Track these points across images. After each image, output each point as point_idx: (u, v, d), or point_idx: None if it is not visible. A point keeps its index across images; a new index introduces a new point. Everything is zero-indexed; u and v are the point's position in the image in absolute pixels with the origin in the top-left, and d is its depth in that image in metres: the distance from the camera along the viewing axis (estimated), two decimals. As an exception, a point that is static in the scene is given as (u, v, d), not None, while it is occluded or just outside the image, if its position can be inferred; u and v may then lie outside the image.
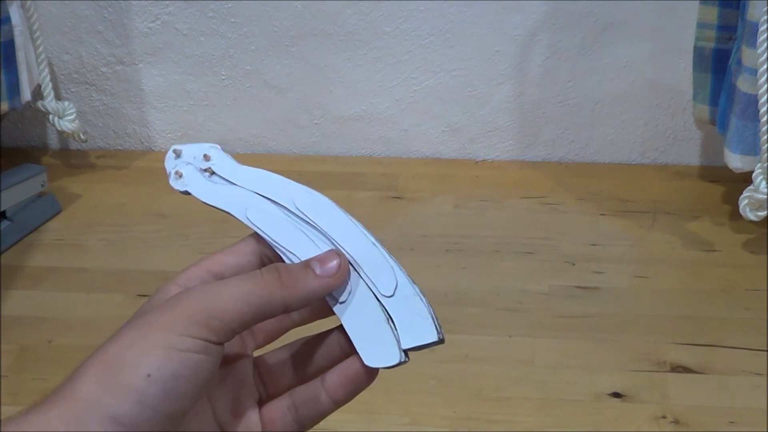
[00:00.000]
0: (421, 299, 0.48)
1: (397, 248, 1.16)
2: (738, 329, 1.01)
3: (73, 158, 1.38)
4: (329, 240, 0.48)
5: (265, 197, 0.51)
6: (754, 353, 0.97)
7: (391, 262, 0.49)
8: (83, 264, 1.15)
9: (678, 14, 1.22)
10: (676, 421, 0.89)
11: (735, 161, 1.07)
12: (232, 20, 1.30)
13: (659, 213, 1.21)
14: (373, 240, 0.49)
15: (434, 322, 0.48)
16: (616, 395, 0.93)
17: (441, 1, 1.25)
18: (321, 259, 0.47)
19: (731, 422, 0.89)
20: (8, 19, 1.18)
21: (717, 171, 1.27)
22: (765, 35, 0.98)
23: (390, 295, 0.48)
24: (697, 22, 1.13)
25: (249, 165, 0.54)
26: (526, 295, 1.07)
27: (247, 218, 0.51)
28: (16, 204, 1.20)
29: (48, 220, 1.23)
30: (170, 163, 0.51)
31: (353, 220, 0.49)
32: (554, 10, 1.24)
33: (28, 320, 1.06)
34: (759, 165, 1.03)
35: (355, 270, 0.48)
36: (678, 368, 0.96)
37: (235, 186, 0.52)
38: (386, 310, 0.48)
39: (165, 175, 0.51)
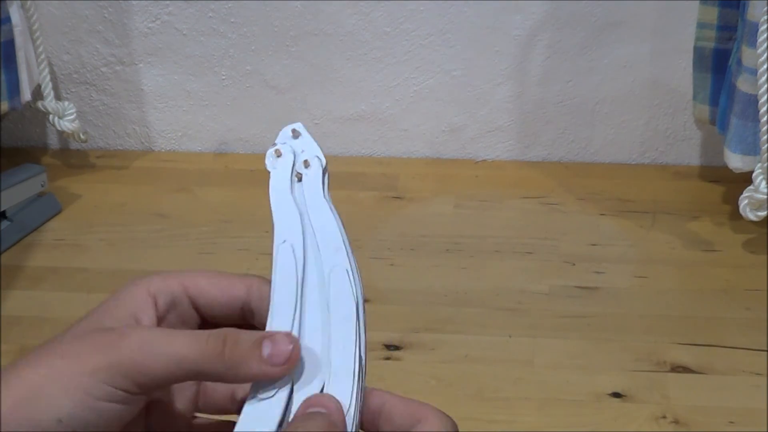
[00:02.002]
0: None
1: (397, 248, 1.16)
2: (738, 329, 1.01)
3: (73, 158, 1.38)
4: (324, 336, 0.44)
5: (313, 244, 0.47)
6: (754, 353, 0.97)
7: (353, 399, 0.43)
8: (83, 264, 1.15)
9: (678, 14, 1.22)
10: (676, 421, 0.89)
11: (735, 161, 1.07)
12: (232, 20, 1.30)
13: (659, 213, 1.21)
14: (356, 369, 0.43)
15: None
16: (616, 395, 0.93)
17: (441, 1, 1.25)
18: (276, 340, 0.42)
19: (731, 422, 0.89)
20: (8, 19, 1.18)
21: (717, 171, 1.27)
22: (765, 35, 0.98)
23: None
24: (697, 22, 1.13)
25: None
26: (526, 295, 1.07)
27: (276, 248, 0.46)
28: (16, 204, 1.20)
29: (48, 220, 1.23)
30: (282, 138, 0.49)
31: (360, 331, 0.44)
32: (554, 10, 1.24)
33: (28, 320, 1.06)
34: (759, 165, 1.03)
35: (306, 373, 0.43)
36: (678, 368, 0.96)
37: (301, 210, 0.48)
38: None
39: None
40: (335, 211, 0.49)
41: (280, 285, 0.45)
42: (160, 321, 0.45)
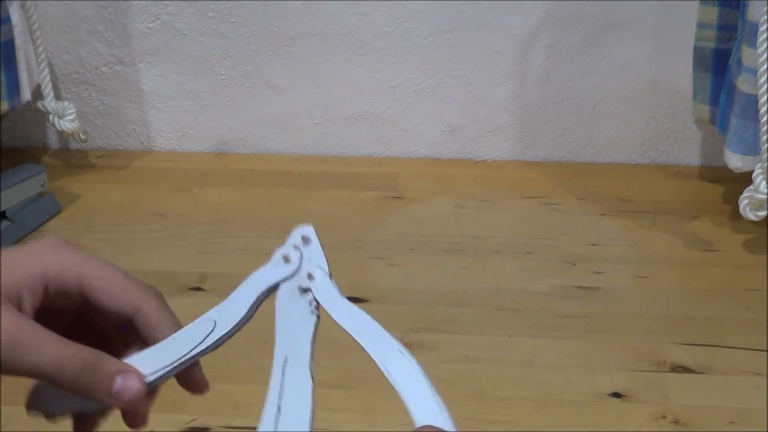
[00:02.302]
0: None
1: (397, 248, 1.16)
2: (738, 329, 1.01)
3: (73, 158, 1.38)
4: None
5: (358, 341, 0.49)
6: (754, 353, 0.97)
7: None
8: (83, 264, 1.15)
9: (678, 14, 1.22)
10: (676, 421, 0.89)
11: (735, 161, 1.07)
12: (232, 20, 1.30)
13: (659, 213, 1.21)
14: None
15: None
16: (616, 395, 0.93)
17: (441, 1, 1.25)
18: (127, 376, 0.46)
19: (731, 422, 0.89)
20: (8, 19, 1.18)
21: (717, 171, 1.27)
22: (765, 35, 0.98)
23: None
24: (697, 22, 1.13)
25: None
26: (526, 295, 1.07)
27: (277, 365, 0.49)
28: (16, 204, 1.20)
29: (48, 220, 1.23)
30: (292, 240, 0.49)
31: (437, 396, 0.47)
32: (554, 10, 1.24)
33: (28, 320, 1.06)
34: (759, 165, 1.03)
35: None
36: (678, 368, 0.96)
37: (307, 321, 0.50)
38: None
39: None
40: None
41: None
42: (45, 305, 0.47)
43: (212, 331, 0.49)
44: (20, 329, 0.45)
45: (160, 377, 0.47)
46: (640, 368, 0.96)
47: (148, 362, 0.47)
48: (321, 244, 0.49)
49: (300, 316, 0.49)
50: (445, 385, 0.98)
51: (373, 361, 0.48)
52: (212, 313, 0.49)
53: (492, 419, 0.91)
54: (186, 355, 0.48)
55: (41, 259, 0.47)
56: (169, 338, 0.48)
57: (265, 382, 0.51)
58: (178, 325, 0.49)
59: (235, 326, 0.50)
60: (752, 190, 1.03)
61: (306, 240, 0.49)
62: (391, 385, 0.88)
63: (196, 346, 0.48)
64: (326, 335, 1.07)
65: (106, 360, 0.47)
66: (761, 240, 1.14)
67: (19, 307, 0.45)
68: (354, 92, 1.32)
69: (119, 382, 0.46)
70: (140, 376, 0.47)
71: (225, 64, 1.32)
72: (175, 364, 0.47)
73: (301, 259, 0.49)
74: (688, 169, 1.30)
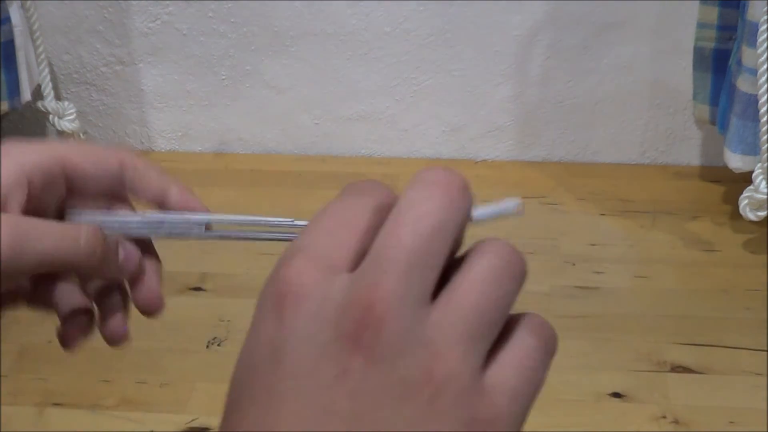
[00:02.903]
0: None
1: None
2: (738, 329, 1.01)
3: (73, 158, 1.38)
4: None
5: None
6: (754, 353, 0.97)
7: None
8: (83, 264, 1.15)
9: (678, 14, 1.22)
10: (676, 421, 0.89)
11: (735, 161, 1.07)
12: (232, 20, 1.30)
13: (659, 213, 1.21)
14: None
15: None
16: (616, 395, 0.93)
17: (441, 1, 1.25)
18: (126, 248, 0.46)
19: (731, 422, 0.89)
20: (8, 19, 1.18)
21: (717, 171, 1.27)
22: (765, 35, 0.98)
23: None
24: (697, 22, 1.13)
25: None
26: (526, 295, 1.06)
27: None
28: (16, 204, 1.20)
29: (48, 220, 1.23)
30: None
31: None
32: (554, 10, 1.24)
33: (28, 320, 1.06)
34: (759, 165, 1.03)
35: None
36: (678, 368, 0.96)
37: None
38: None
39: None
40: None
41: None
42: (30, 201, 0.44)
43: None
44: (16, 222, 0.42)
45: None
46: (640, 368, 0.96)
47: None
48: None
49: None
50: (445, 385, 0.97)
51: None
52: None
53: (492, 419, 0.90)
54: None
55: (17, 157, 0.44)
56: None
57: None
58: (163, 173, 0.48)
59: None
60: (752, 190, 1.03)
61: None
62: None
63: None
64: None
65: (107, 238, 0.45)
66: (761, 240, 1.14)
67: (6, 209, 0.43)
68: (354, 92, 1.32)
69: (121, 251, 0.45)
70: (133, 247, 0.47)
71: (225, 64, 1.32)
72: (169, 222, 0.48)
73: None
74: (688, 169, 1.30)
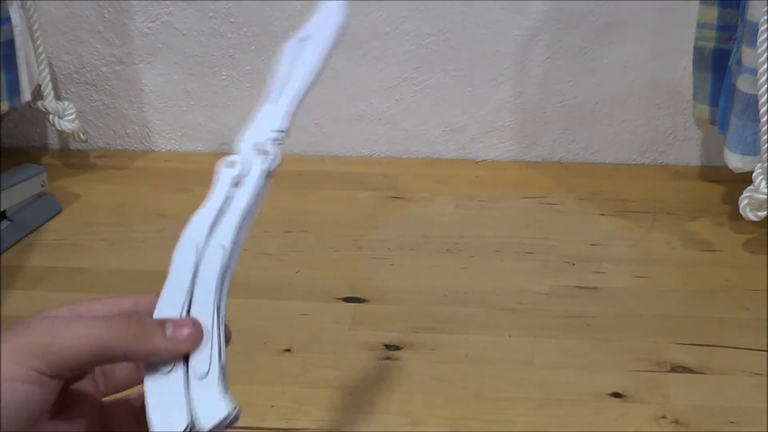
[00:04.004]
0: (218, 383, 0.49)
1: (397, 248, 1.16)
2: (738, 329, 1.01)
3: (73, 158, 1.38)
4: (190, 301, 0.50)
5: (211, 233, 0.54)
6: (754, 353, 0.97)
7: (217, 343, 0.50)
8: (83, 264, 1.15)
9: (678, 14, 1.22)
10: (676, 421, 0.89)
11: (735, 161, 1.07)
12: (232, 20, 1.30)
13: (659, 213, 1.21)
14: (217, 321, 0.50)
15: (220, 417, 0.48)
16: (616, 395, 0.93)
17: (441, 1, 1.25)
18: (176, 323, 0.48)
19: (731, 422, 0.89)
20: (8, 19, 1.18)
21: (717, 171, 1.27)
22: (765, 35, 0.98)
23: (201, 376, 0.49)
24: (697, 22, 1.13)
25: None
26: (526, 295, 1.07)
27: (177, 247, 0.54)
28: (16, 204, 1.20)
29: (48, 220, 1.23)
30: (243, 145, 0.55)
31: (222, 295, 0.52)
32: (554, 10, 1.24)
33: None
34: (759, 165, 1.03)
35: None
36: (678, 368, 0.96)
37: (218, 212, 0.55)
38: (190, 388, 0.48)
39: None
40: (260, 193, 0.57)
41: (173, 273, 0.52)
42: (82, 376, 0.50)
43: (197, 248, 0.54)
44: (59, 316, 0.46)
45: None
46: (640, 368, 0.96)
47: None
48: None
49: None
50: (445, 385, 0.98)
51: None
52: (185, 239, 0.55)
53: (492, 419, 0.91)
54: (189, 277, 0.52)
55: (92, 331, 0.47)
56: (168, 281, 0.51)
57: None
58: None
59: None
60: (752, 190, 1.03)
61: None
62: (390, 386, 0.88)
63: (191, 264, 0.53)
64: (325, 335, 1.07)
65: (145, 315, 0.48)
66: (761, 240, 1.14)
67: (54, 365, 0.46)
68: (354, 92, 1.32)
69: (170, 326, 0.47)
70: (191, 318, 0.49)
71: (225, 64, 1.32)
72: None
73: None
74: (688, 169, 1.30)
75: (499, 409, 0.92)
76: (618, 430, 0.89)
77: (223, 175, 0.55)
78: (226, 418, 0.48)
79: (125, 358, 0.47)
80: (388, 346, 0.99)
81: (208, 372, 0.48)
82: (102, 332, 0.45)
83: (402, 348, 0.99)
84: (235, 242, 0.54)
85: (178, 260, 0.52)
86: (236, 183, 0.56)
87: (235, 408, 0.48)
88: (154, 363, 0.47)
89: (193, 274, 0.51)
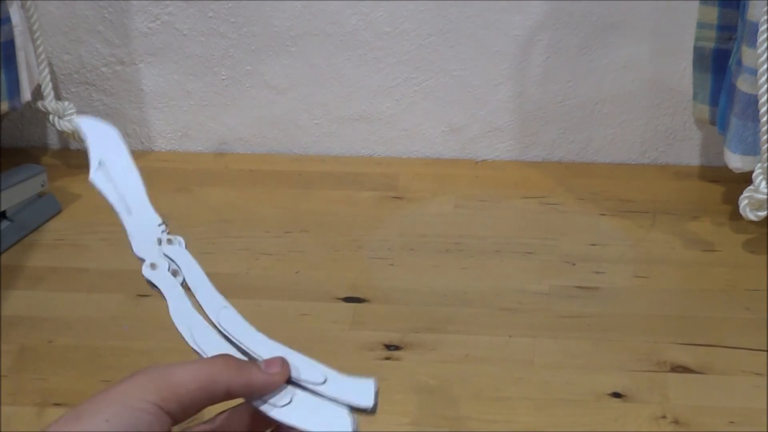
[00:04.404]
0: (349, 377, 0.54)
1: (397, 248, 1.16)
2: (738, 329, 1.01)
3: (73, 158, 1.38)
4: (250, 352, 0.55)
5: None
6: (754, 353, 0.97)
7: (308, 359, 0.55)
8: (83, 264, 1.15)
9: (678, 14, 1.22)
10: (676, 421, 0.89)
11: (735, 161, 1.07)
12: (232, 20, 1.30)
13: (659, 213, 1.21)
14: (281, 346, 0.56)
15: (374, 388, 0.54)
16: (616, 395, 0.93)
17: (441, 1, 1.25)
18: (268, 361, 0.54)
19: (731, 422, 0.89)
20: (8, 19, 1.18)
21: (717, 171, 1.27)
22: (765, 35, 0.98)
23: (322, 382, 0.54)
24: (697, 22, 1.13)
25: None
26: (526, 295, 1.07)
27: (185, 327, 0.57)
28: (16, 204, 1.20)
29: (48, 220, 1.23)
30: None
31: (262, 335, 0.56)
32: (554, 10, 1.24)
33: (28, 320, 1.06)
34: (759, 165, 1.03)
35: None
36: (678, 368, 0.96)
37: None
38: (325, 395, 0.54)
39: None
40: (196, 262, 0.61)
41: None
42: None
43: None
44: (165, 364, 0.51)
45: None
46: (640, 368, 0.96)
47: None
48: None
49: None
50: (445, 385, 0.98)
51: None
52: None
53: (492, 419, 0.91)
54: None
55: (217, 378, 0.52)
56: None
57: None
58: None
59: None
60: (752, 190, 1.03)
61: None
62: (390, 386, 0.89)
63: None
64: (325, 335, 1.07)
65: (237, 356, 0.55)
66: (761, 240, 1.14)
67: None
68: (354, 92, 1.32)
69: (263, 364, 0.53)
70: (279, 357, 0.54)
71: (225, 64, 1.32)
72: None
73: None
74: (688, 169, 1.30)
75: (499, 409, 0.92)
76: (618, 430, 0.89)
77: (160, 276, 0.59)
78: (377, 387, 0.54)
79: (228, 392, 0.52)
80: (388, 346, 0.99)
81: (324, 376, 0.54)
82: (207, 368, 0.51)
83: (402, 348, 0.99)
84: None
85: (202, 343, 0.57)
86: (174, 272, 0.59)
87: (374, 378, 0.54)
88: (262, 397, 0.53)
89: (225, 337, 0.56)
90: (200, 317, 0.57)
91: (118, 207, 0.59)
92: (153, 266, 0.59)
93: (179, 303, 0.58)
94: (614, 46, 1.26)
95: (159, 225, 0.59)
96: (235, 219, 1.22)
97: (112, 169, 0.61)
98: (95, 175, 0.61)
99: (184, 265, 0.59)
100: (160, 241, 0.59)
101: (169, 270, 0.59)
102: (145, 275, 0.58)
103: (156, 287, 0.58)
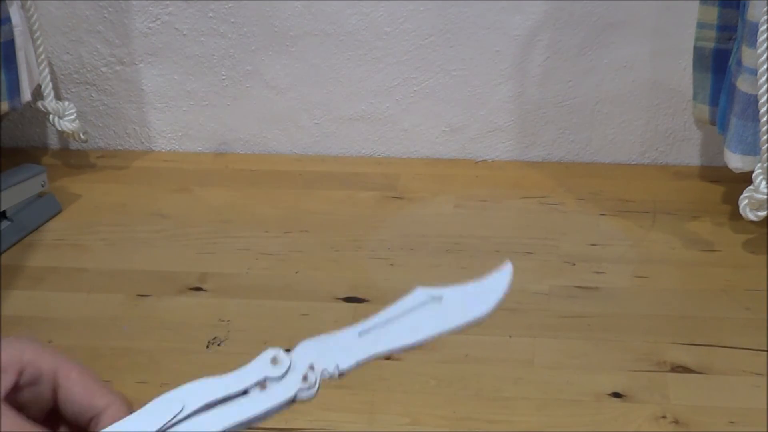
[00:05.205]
0: None
1: (397, 248, 1.16)
2: (738, 329, 1.01)
3: (73, 158, 1.38)
4: None
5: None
6: (754, 353, 0.97)
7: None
8: (83, 264, 1.15)
9: (678, 14, 1.22)
10: (676, 421, 0.89)
11: (735, 161, 1.07)
12: (232, 20, 1.30)
13: (659, 213, 1.21)
14: None
15: None
16: (616, 395, 0.93)
17: (441, 1, 1.25)
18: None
19: (731, 422, 0.89)
20: (8, 19, 1.18)
21: (717, 171, 1.27)
22: (765, 35, 0.98)
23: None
24: (697, 22, 1.13)
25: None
26: (526, 295, 1.07)
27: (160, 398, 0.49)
28: (16, 204, 1.20)
29: (48, 220, 1.23)
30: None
31: None
32: (554, 10, 1.24)
33: (28, 320, 1.06)
34: (759, 165, 1.03)
35: None
36: (678, 368, 0.96)
37: None
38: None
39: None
40: (271, 411, 0.50)
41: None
42: (14, 391, 0.46)
43: (178, 413, 0.48)
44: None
45: None
46: (640, 368, 0.96)
47: None
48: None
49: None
50: (445, 385, 0.98)
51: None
52: (180, 393, 0.48)
53: (492, 419, 0.91)
54: None
55: (19, 344, 0.47)
56: (138, 412, 0.47)
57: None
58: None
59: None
60: (752, 190, 1.03)
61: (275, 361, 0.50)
62: (390, 386, 0.88)
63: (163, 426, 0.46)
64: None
65: None
66: (761, 240, 1.14)
67: None
68: (354, 92, 1.32)
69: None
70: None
71: (225, 64, 1.32)
72: None
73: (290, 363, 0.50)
74: (688, 169, 1.30)
75: (499, 409, 0.92)
76: (618, 430, 0.89)
77: (258, 369, 0.50)
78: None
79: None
80: (388, 346, 0.99)
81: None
82: None
83: (402, 348, 0.99)
84: None
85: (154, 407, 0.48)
86: (263, 385, 0.49)
87: None
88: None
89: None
90: None
91: (372, 320, 0.52)
92: (274, 360, 0.51)
93: (211, 389, 0.50)
94: (614, 46, 1.26)
95: (336, 367, 0.53)
96: (235, 219, 1.22)
97: (435, 318, 0.53)
98: (422, 292, 0.51)
99: (269, 394, 0.51)
100: (311, 367, 0.52)
101: (263, 379, 0.51)
102: (265, 353, 0.51)
103: None
